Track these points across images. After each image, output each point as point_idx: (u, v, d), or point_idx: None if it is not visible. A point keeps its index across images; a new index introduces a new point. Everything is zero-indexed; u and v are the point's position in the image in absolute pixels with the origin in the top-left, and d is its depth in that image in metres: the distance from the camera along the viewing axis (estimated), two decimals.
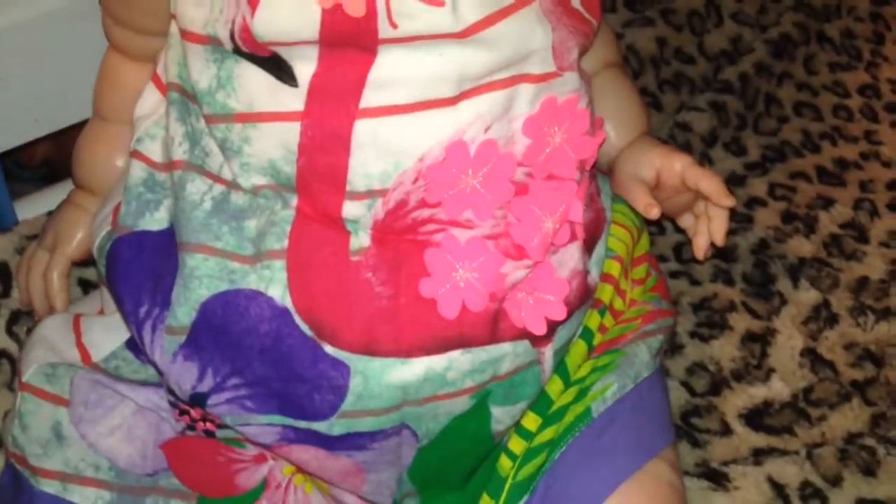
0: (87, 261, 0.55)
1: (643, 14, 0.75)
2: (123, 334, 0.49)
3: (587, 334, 0.50)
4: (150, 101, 0.48)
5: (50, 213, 0.59)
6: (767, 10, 0.79)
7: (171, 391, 0.46)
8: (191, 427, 0.48)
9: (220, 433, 0.48)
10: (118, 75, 0.52)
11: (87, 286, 0.57)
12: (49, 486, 0.47)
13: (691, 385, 0.59)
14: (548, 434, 0.48)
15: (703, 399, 0.58)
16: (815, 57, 0.78)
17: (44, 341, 0.50)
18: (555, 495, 0.48)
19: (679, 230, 0.66)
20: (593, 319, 0.50)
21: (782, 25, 0.78)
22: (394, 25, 0.40)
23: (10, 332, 0.55)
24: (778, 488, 0.55)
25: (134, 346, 0.49)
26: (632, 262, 0.53)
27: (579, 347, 0.49)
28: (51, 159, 0.81)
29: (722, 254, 0.64)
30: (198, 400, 0.45)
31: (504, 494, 0.48)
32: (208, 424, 0.48)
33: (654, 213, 0.51)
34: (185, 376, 0.45)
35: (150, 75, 0.50)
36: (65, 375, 0.48)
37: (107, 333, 0.49)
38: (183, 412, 0.48)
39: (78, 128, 0.63)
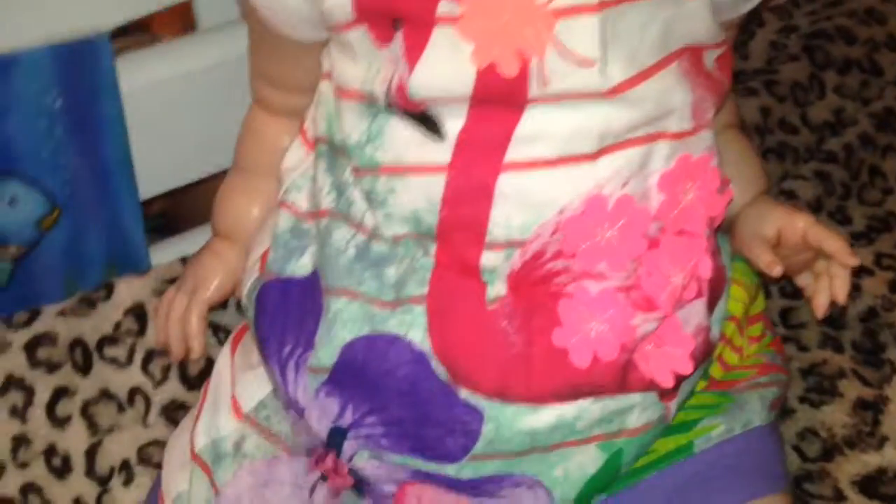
0: (221, 305, 0.58)
1: (746, 84, 0.77)
2: (270, 384, 0.50)
3: None
4: (297, 155, 0.51)
5: (183, 259, 0.63)
6: (870, 84, 0.80)
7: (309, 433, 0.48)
8: (323, 478, 0.49)
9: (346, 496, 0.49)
10: (261, 130, 0.55)
11: (217, 330, 0.60)
12: None
13: (803, 450, 0.59)
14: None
15: (815, 465, 0.58)
16: None
17: (212, 393, 0.51)
18: None
19: (785, 295, 0.67)
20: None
21: (885, 100, 0.79)
22: (544, 85, 0.42)
23: (145, 369, 0.58)
24: None
25: None
26: (748, 320, 0.54)
27: None
28: (166, 211, 0.85)
29: (830, 321, 0.65)
30: (337, 435, 0.47)
31: (580, 488, 0.48)
32: (338, 480, 0.49)
33: (776, 270, 0.52)
34: (327, 411, 0.47)
35: (290, 130, 0.53)
36: (230, 467, 0.49)
37: (257, 383, 0.50)
38: (318, 459, 0.49)
39: (193, 184, 0.68)
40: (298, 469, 0.49)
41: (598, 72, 0.42)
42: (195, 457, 0.50)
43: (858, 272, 0.68)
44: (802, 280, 0.56)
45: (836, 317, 0.65)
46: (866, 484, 0.58)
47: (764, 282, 0.57)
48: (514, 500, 0.47)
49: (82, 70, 0.54)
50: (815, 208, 0.72)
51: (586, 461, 0.47)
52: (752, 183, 0.55)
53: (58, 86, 0.54)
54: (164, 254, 0.64)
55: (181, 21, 0.66)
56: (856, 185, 0.74)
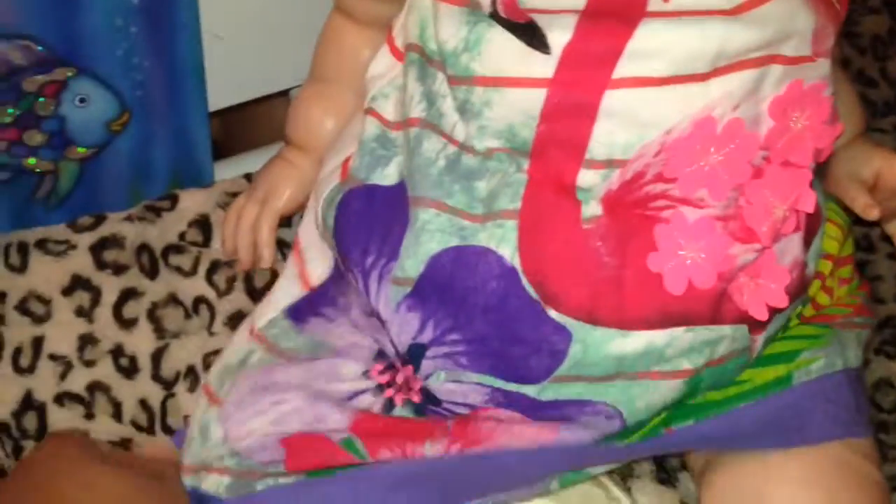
0: (286, 221, 0.57)
1: None
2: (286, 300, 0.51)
3: None
4: (383, 63, 0.50)
5: (247, 176, 0.61)
6: None
7: (390, 344, 0.47)
8: (386, 386, 0.48)
9: (400, 410, 0.48)
10: (341, 38, 0.54)
11: (281, 246, 0.59)
12: (188, 480, 0.49)
13: (877, 401, 0.58)
14: (743, 375, 0.48)
15: (890, 416, 0.57)
16: None
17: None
18: (725, 437, 0.48)
19: (860, 248, 0.66)
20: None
21: None
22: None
23: (209, 280, 0.57)
24: None
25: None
26: (839, 261, 0.53)
27: None
28: (217, 139, 0.84)
29: None
30: (416, 352, 0.46)
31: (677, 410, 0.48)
32: (410, 394, 0.48)
33: (873, 214, 0.50)
34: (407, 326, 0.46)
35: (372, 41, 0.51)
36: (228, 378, 0.50)
37: (273, 300, 0.51)
38: (388, 368, 0.48)
39: (243, 108, 0.66)
40: (301, 374, 0.49)
41: None
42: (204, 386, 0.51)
43: None
44: (891, 227, 0.55)
45: None
46: None
47: None
48: (590, 427, 0.46)
49: None
50: None
51: (668, 392, 0.46)
52: (850, 122, 0.53)
53: None
54: (225, 173, 0.63)
55: None
56: None
